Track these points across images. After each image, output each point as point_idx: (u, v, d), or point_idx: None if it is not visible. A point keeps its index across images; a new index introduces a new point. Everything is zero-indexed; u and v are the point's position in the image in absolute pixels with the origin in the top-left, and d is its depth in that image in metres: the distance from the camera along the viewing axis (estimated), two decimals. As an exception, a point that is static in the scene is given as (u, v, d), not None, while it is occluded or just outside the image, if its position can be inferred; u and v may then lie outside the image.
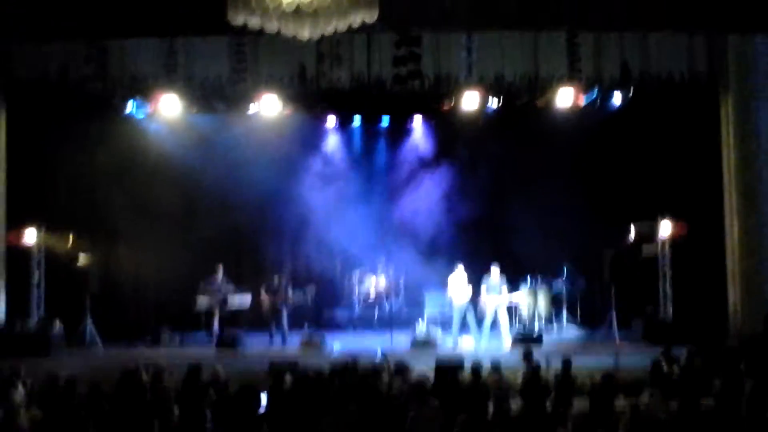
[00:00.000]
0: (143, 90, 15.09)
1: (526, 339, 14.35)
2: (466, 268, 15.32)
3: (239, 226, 17.05)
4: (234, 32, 13.55)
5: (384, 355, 12.00)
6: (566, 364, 11.04)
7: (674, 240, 15.33)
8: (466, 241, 17.16)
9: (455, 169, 17.74)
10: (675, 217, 15.20)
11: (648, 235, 15.35)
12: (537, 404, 8.86)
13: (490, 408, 9.96)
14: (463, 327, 15.33)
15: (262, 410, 8.16)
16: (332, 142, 18.20)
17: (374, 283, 17.60)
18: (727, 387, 8.53)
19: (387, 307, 17.33)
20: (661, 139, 15.84)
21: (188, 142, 16.92)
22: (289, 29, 9.11)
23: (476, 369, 10.64)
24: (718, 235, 15.05)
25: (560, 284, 16.70)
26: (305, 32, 9.23)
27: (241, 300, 15.96)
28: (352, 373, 10.23)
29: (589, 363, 12.77)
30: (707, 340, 13.39)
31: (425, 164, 17.80)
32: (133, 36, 13.92)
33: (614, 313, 14.92)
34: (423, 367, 10.98)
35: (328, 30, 9.30)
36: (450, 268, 15.79)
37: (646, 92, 14.95)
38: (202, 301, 15.87)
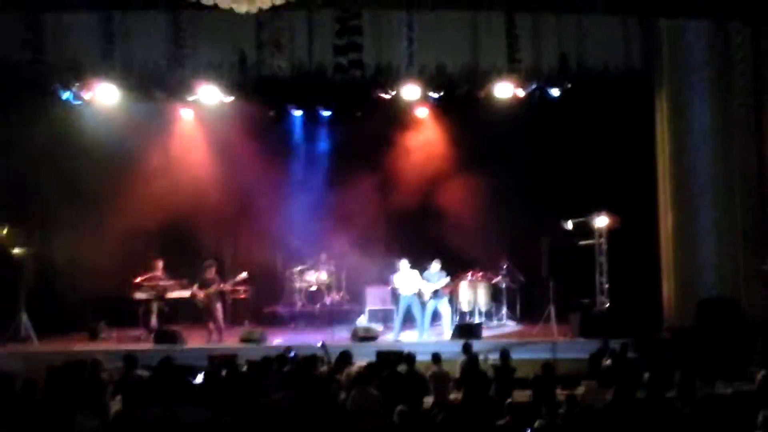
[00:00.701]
0: (80, 76, 14.80)
1: (466, 332, 14.48)
2: (408, 262, 15.42)
3: (178, 218, 16.80)
4: (171, 6, 13.48)
5: (323, 344, 12.01)
6: (504, 354, 11.21)
7: (610, 232, 15.58)
8: (406, 234, 17.24)
9: (395, 160, 17.76)
10: (610, 210, 15.44)
11: (584, 227, 15.58)
12: (476, 394, 8.95)
13: (430, 398, 10.11)
14: (405, 321, 15.43)
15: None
16: (273, 131, 18.05)
17: (315, 278, 17.54)
18: (655, 378, 8.75)
19: (328, 302, 17.30)
20: (598, 131, 16.08)
21: (126, 129, 16.60)
22: (225, 2, 8.93)
23: (415, 360, 10.75)
24: (652, 228, 15.33)
25: (500, 279, 16.86)
26: (242, 6, 9.06)
27: (180, 293, 15.77)
28: (290, 361, 10.26)
29: (528, 356, 12.98)
30: (641, 333, 13.71)
31: (365, 154, 17.75)
32: (68, 8, 13.71)
33: (552, 308, 15.12)
34: (364, 359, 11.02)
35: (266, 3, 9.12)
36: (391, 262, 15.89)
37: (583, 84, 15.16)
38: (140, 294, 15.73)
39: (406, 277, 15.31)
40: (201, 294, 15.19)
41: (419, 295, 15.26)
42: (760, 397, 8.08)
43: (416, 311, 15.22)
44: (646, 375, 9.20)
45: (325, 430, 7.54)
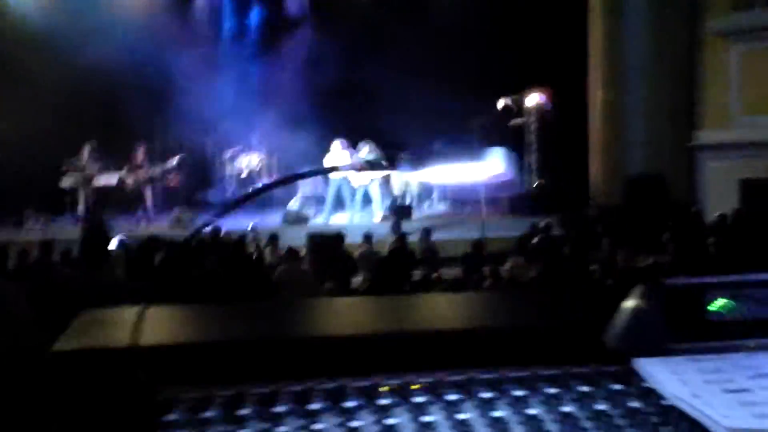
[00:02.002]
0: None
1: (397, 213, 14.54)
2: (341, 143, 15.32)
3: (108, 100, 16.30)
4: None
5: (254, 227, 11.98)
6: (426, 233, 11.31)
7: (540, 112, 15.63)
8: (338, 116, 17.06)
9: (326, 38, 17.41)
10: (541, 88, 15.44)
11: (515, 106, 15.59)
12: (404, 271, 9.07)
13: (360, 276, 10.20)
14: (337, 203, 15.42)
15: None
16: (199, 6, 17.51)
17: (247, 163, 17.35)
18: (577, 252, 8.94)
19: (260, 185, 17.17)
20: (530, 7, 15.92)
21: (50, 6, 15.92)
22: None
23: (343, 240, 10.81)
24: (582, 106, 15.41)
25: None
26: None
27: (108, 179, 15.47)
28: (220, 241, 10.25)
29: (458, 236, 13.12)
30: (569, 210, 13.93)
31: (297, 31, 17.35)
32: None
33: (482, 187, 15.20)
34: (295, 242, 11.02)
35: None
36: (322, 145, 15.74)
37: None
38: (67, 180, 15.36)
39: (337, 159, 15.20)
40: (130, 180, 14.94)
41: (348, 178, 15.21)
42: (672, 267, 8.33)
43: (346, 195, 15.20)
44: (567, 249, 9.38)
45: (253, 298, 7.60)
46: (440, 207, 16.93)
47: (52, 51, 16.15)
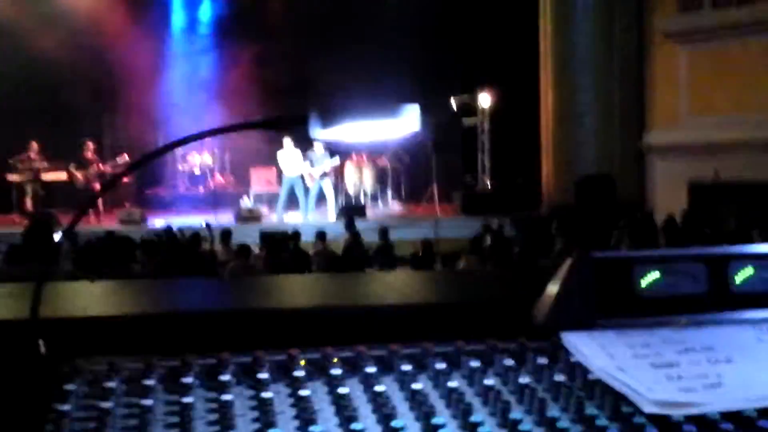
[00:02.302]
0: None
1: (350, 212, 14.48)
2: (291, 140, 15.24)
3: (57, 99, 16.04)
4: None
5: (208, 224, 11.87)
6: (383, 232, 11.28)
7: (492, 111, 15.69)
8: (290, 112, 16.92)
9: (277, 34, 17.29)
10: (493, 88, 15.50)
11: (468, 106, 15.63)
12: (358, 269, 9.04)
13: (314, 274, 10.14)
14: (290, 202, 15.34)
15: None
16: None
17: (198, 161, 17.18)
18: (527, 251, 8.98)
19: (212, 184, 17.02)
20: (481, 10, 15.98)
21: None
22: None
23: (299, 237, 10.74)
24: (534, 106, 15.50)
25: (385, 161, 16.85)
26: None
27: (57, 175, 15.23)
28: (172, 239, 10.14)
29: (411, 235, 13.10)
30: (521, 210, 14.02)
31: (247, 27, 17.19)
32: None
33: (435, 186, 15.24)
34: (247, 240, 10.94)
35: None
36: (276, 144, 15.65)
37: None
38: (14, 177, 15.12)
39: (289, 156, 15.13)
40: (79, 175, 14.71)
41: (302, 176, 15.15)
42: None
43: (299, 192, 15.14)
44: (516, 249, 9.43)
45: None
46: (395, 205, 16.92)
47: (4, 46, 15.86)
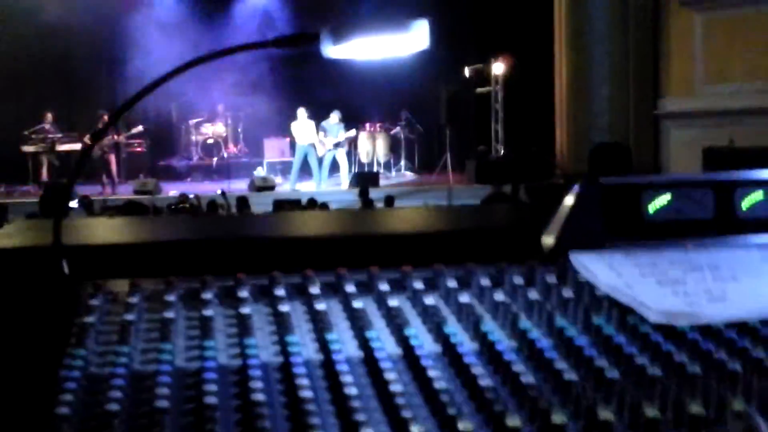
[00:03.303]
0: None
1: (363, 180, 14.51)
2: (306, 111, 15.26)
3: (72, 69, 16.08)
4: None
5: (222, 192, 11.92)
6: (389, 201, 11.32)
7: (506, 79, 15.62)
8: (301, 84, 16.93)
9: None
10: (507, 57, 15.42)
11: (481, 75, 15.57)
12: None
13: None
14: (303, 171, 15.38)
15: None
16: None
17: (212, 131, 17.22)
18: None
19: (225, 154, 17.07)
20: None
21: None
22: None
23: (315, 205, 10.78)
24: (549, 74, 15.42)
25: (398, 129, 16.85)
26: None
27: (72, 145, 15.31)
28: (190, 205, 10.20)
29: (424, 203, 13.13)
30: (535, 179, 13.98)
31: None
32: None
33: (448, 155, 15.23)
34: (261, 208, 11.00)
35: None
36: (289, 114, 15.68)
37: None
38: (29, 148, 15.22)
39: (303, 126, 15.16)
40: (96, 145, 14.76)
41: (314, 145, 15.18)
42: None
43: (312, 161, 15.17)
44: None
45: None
46: (407, 174, 16.93)
47: (10, 17, 15.86)
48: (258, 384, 0.95)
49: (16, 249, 1.37)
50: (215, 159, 17.03)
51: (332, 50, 1.19)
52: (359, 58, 1.22)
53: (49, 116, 15.60)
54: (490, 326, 1.12)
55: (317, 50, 1.26)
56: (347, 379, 0.97)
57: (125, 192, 14.71)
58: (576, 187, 1.41)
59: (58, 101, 16.06)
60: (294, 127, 15.27)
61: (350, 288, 1.24)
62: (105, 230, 1.61)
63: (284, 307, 1.17)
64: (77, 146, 15.28)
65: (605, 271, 1.26)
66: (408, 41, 1.19)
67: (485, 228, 1.52)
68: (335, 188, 15.14)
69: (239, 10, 17.55)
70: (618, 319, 1.14)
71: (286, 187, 15.38)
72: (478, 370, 0.98)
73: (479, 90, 15.81)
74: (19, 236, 1.48)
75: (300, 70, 16.96)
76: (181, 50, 16.90)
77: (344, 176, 15.47)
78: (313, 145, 15.15)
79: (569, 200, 1.40)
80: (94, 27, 16.12)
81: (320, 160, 15.26)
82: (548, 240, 1.39)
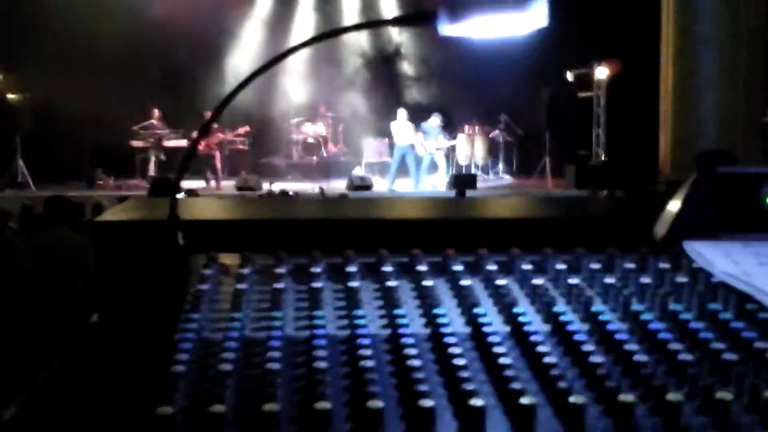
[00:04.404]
0: None
1: (461, 182, 14.48)
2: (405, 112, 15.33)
3: (178, 66, 16.54)
4: None
5: (321, 189, 12.09)
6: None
7: (610, 84, 15.36)
8: (400, 87, 17.03)
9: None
10: (611, 61, 15.16)
11: (584, 79, 15.35)
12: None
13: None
14: (401, 171, 15.45)
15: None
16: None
17: (313, 130, 17.44)
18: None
19: (325, 154, 17.27)
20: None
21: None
22: None
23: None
24: (653, 80, 15.08)
25: (497, 133, 16.75)
26: None
27: (178, 141, 15.75)
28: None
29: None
30: (636, 185, 13.67)
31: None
32: None
33: (548, 159, 15.06)
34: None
35: None
36: (388, 115, 15.78)
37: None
38: (137, 144, 15.71)
39: (402, 127, 15.23)
40: (201, 143, 15.14)
41: (413, 146, 15.23)
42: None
43: (410, 161, 15.22)
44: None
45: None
46: (505, 177, 16.82)
47: (117, 13, 16.36)
48: (366, 352, 0.96)
49: (135, 221, 1.41)
50: (315, 158, 17.24)
51: (449, 28, 1.19)
52: (476, 36, 1.22)
53: (157, 113, 16.07)
54: (601, 308, 1.10)
55: (435, 32, 1.26)
56: (454, 351, 0.97)
57: (228, 188, 15.03)
58: (692, 177, 1.37)
59: (165, 98, 16.52)
60: (393, 127, 15.35)
61: (457, 267, 1.24)
62: (216, 208, 1.65)
63: (391, 283, 1.18)
64: (183, 142, 15.70)
65: (721, 258, 1.23)
66: (526, 20, 1.18)
67: (593, 217, 1.50)
68: (433, 189, 15.15)
69: (339, 3, 17.73)
70: (735, 305, 1.10)
71: (384, 187, 15.46)
72: (589, 347, 0.97)
73: (581, 94, 15.58)
74: (138, 211, 1.53)
75: (400, 72, 17.10)
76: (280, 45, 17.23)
77: (442, 177, 15.48)
78: (411, 146, 15.21)
79: (684, 189, 1.37)
80: (198, 24, 16.52)
81: (419, 161, 15.30)
82: (661, 229, 1.36)
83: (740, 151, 13.95)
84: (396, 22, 1.26)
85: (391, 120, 15.55)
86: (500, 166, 17.02)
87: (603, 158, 15.40)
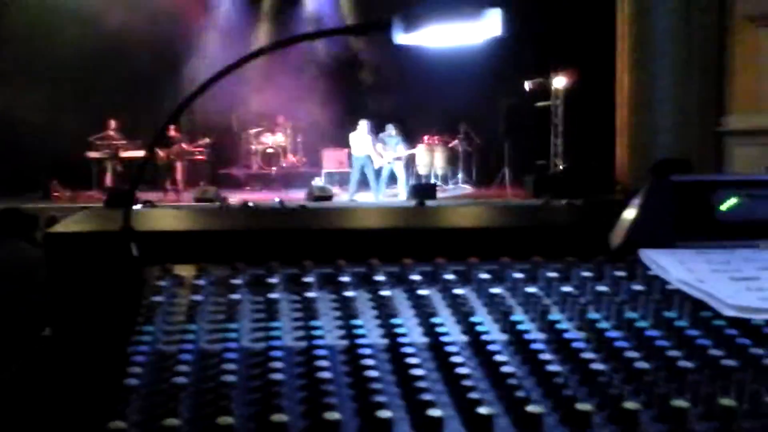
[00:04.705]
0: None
1: (421, 192, 14.50)
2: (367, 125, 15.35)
3: (136, 76, 16.39)
4: None
5: (281, 201, 12.03)
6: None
7: (567, 94, 15.50)
8: (361, 97, 17.03)
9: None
10: (568, 71, 15.30)
11: (542, 89, 15.48)
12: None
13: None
14: (361, 182, 15.43)
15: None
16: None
17: (272, 141, 17.37)
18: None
19: (284, 164, 17.21)
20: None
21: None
22: None
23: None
24: (609, 89, 15.24)
25: (456, 142, 16.82)
26: None
27: (135, 154, 15.59)
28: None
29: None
30: (594, 194, 13.80)
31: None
32: None
33: (507, 169, 15.15)
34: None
35: None
36: (348, 126, 15.76)
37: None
38: (94, 154, 15.54)
39: (360, 138, 15.23)
40: (162, 153, 15.05)
41: (371, 157, 15.25)
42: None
43: (369, 172, 15.22)
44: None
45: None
46: (465, 187, 16.88)
47: (73, 23, 16.19)
48: (323, 363, 0.95)
49: (88, 233, 1.39)
50: (274, 168, 17.17)
51: (404, 38, 1.19)
52: (431, 45, 1.22)
53: (113, 123, 15.89)
54: (558, 317, 1.10)
55: (387, 44, 1.26)
56: (412, 361, 0.96)
57: (186, 199, 14.90)
58: (647, 185, 1.39)
59: (122, 109, 16.36)
60: (352, 138, 15.35)
61: (415, 276, 1.23)
62: (172, 219, 1.63)
63: (349, 293, 1.17)
64: (140, 153, 15.54)
65: (676, 266, 1.24)
66: (481, 29, 1.19)
67: (550, 225, 1.50)
68: (392, 199, 15.17)
69: (298, 14, 17.73)
70: (691, 312, 1.11)
71: (343, 197, 15.44)
72: (546, 356, 0.97)
73: (539, 104, 15.70)
74: (91, 222, 1.51)
75: (359, 81, 17.11)
76: (243, 69, 17.11)
77: (401, 187, 15.49)
78: (369, 157, 15.21)
79: (639, 198, 1.38)
80: (156, 34, 16.39)
81: (378, 172, 15.31)
82: (617, 237, 1.37)
83: (696, 160, 14.13)
84: (352, 30, 1.26)
85: (351, 130, 15.55)
86: (460, 175, 17.07)
87: (561, 167, 15.53)
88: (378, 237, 1.43)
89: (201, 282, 1.19)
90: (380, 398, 0.87)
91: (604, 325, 1.06)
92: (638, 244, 1.32)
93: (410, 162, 16.42)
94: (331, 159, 17.00)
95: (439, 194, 15.24)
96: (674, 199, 1.36)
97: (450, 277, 1.23)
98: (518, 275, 1.24)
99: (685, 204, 1.35)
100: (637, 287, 1.19)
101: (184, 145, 15.43)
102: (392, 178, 15.64)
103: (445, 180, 16.95)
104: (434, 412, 0.84)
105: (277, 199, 12.29)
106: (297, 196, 15.15)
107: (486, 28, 1.18)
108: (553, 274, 1.24)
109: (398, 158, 15.37)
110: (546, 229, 1.48)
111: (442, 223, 1.61)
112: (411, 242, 1.41)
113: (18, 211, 7.88)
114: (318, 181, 16.33)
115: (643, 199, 1.37)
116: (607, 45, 15.11)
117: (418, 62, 16.62)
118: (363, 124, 15.28)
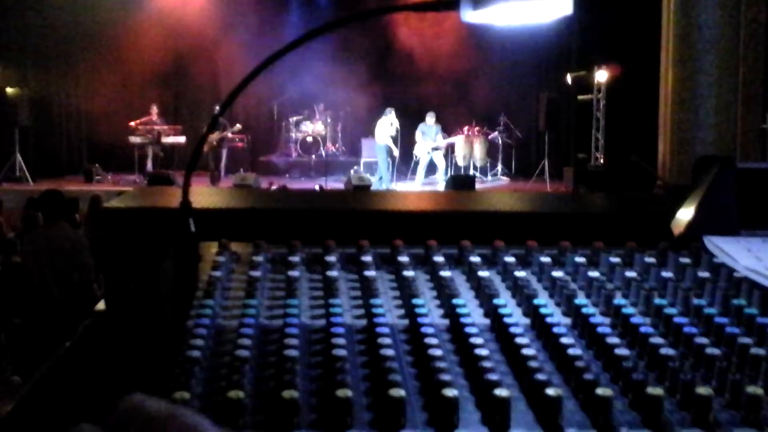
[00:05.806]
0: None
1: (459, 183, 14.46)
2: (401, 115, 15.32)
3: (179, 64, 16.52)
4: None
5: (321, 187, 12.06)
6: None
7: (609, 87, 15.33)
8: (404, 87, 16.97)
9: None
10: (611, 65, 15.13)
11: (583, 82, 15.33)
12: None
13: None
14: (399, 171, 15.46)
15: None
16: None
17: (312, 129, 17.39)
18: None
19: (323, 153, 17.22)
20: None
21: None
22: None
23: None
24: (653, 84, 15.04)
25: (496, 134, 16.72)
26: None
27: (176, 138, 15.72)
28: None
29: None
30: (634, 188, 13.66)
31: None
32: None
33: (546, 161, 15.04)
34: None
35: None
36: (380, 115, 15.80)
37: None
38: (135, 140, 15.66)
39: (384, 126, 15.27)
40: (210, 139, 15.24)
41: (390, 147, 15.36)
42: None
43: (381, 161, 15.37)
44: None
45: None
46: (504, 179, 16.79)
47: (126, 16, 16.34)
48: (386, 341, 0.94)
49: (147, 208, 1.39)
50: (314, 157, 17.19)
51: (472, 15, 1.17)
52: (499, 23, 1.20)
53: (155, 109, 16.01)
54: (623, 302, 1.08)
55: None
56: (475, 341, 0.95)
57: (225, 186, 14.98)
58: (711, 172, 1.36)
59: (164, 95, 16.50)
60: (379, 124, 15.38)
61: (474, 258, 1.22)
62: (228, 198, 1.63)
63: (408, 272, 1.16)
64: (181, 139, 15.66)
65: (744, 254, 1.21)
66: (551, 7, 1.16)
67: (612, 213, 1.48)
68: (432, 188, 15.12)
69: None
70: (760, 300, 1.08)
71: (382, 185, 15.43)
72: (612, 340, 0.95)
73: (580, 97, 15.55)
74: (146, 198, 1.51)
75: (399, 71, 17.03)
76: (284, 59, 17.15)
77: (440, 176, 15.46)
78: (387, 146, 15.29)
79: (703, 185, 1.35)
80: (200, 21, 16.47)
81: (417, 161, 15.29)
82: (680, 224, 1.34)
83: (739, 157, 13.94)
84: (417, 7, 1.24)
85: (379, 118, 15.55)
86: (499, 167, 16.97)
87: (601, 161, 15.38)
88: (436, 220, 1.42)
89: (259, 258, 1.19)
90: (445, 377, 0.86)
91: (670, 311, 1.04)
92: (703, 231, 1.30)
93: (449, 152, 16.36)
94: (369, 148, 16.97)
95: (478, 185, 15.17)
96: (739, 187, 1.32)
97: (510, 259, 1.21)
98: (580, 260, 1.22)
99: (750, 192, 1.32)
100: (703, 274, 1.16)
101: (228, 132, 15.55)
102: (431, 168, 15.59)
103: (483, 172, 16.85)
104: (501, 392, 0.83)
105: (316, 187, 12.31)
106: (336, 185, 15.18)
107: (556, 6, 1.16)
108: (615, 260, 1.21)
109: (436, 148, 15.31)
110: (606, 216, 1.46)
111: (500, 207, 1.59)
112: (468, 226, 1.40)
113: (59, 193, 8.00)
114: (357, 170, 16.34)
115: (708, 186, 1.34)
116: (651, 39, 14.91)
117: (462, 53, 16.62)
118: (390, 111, 15.31)
